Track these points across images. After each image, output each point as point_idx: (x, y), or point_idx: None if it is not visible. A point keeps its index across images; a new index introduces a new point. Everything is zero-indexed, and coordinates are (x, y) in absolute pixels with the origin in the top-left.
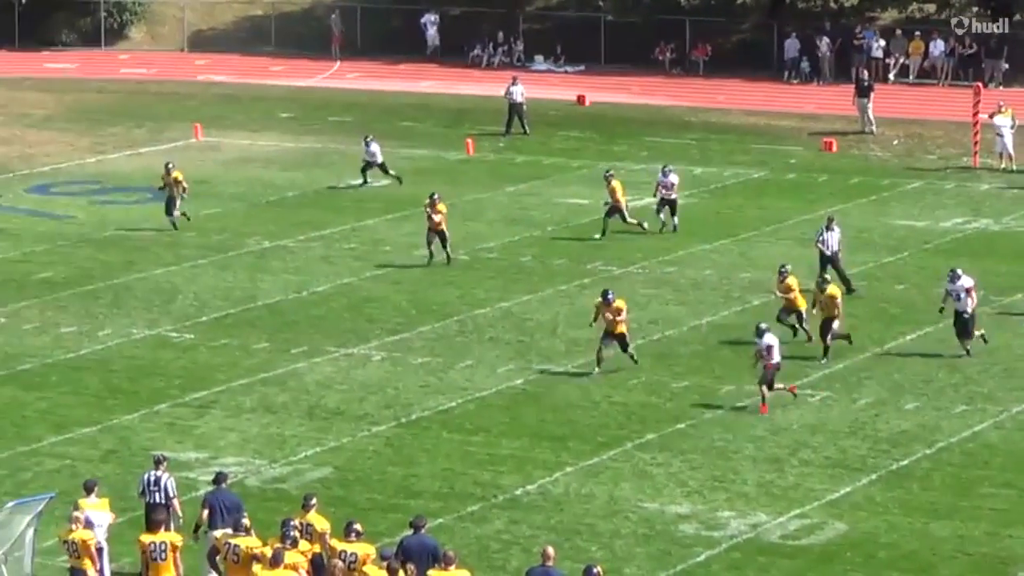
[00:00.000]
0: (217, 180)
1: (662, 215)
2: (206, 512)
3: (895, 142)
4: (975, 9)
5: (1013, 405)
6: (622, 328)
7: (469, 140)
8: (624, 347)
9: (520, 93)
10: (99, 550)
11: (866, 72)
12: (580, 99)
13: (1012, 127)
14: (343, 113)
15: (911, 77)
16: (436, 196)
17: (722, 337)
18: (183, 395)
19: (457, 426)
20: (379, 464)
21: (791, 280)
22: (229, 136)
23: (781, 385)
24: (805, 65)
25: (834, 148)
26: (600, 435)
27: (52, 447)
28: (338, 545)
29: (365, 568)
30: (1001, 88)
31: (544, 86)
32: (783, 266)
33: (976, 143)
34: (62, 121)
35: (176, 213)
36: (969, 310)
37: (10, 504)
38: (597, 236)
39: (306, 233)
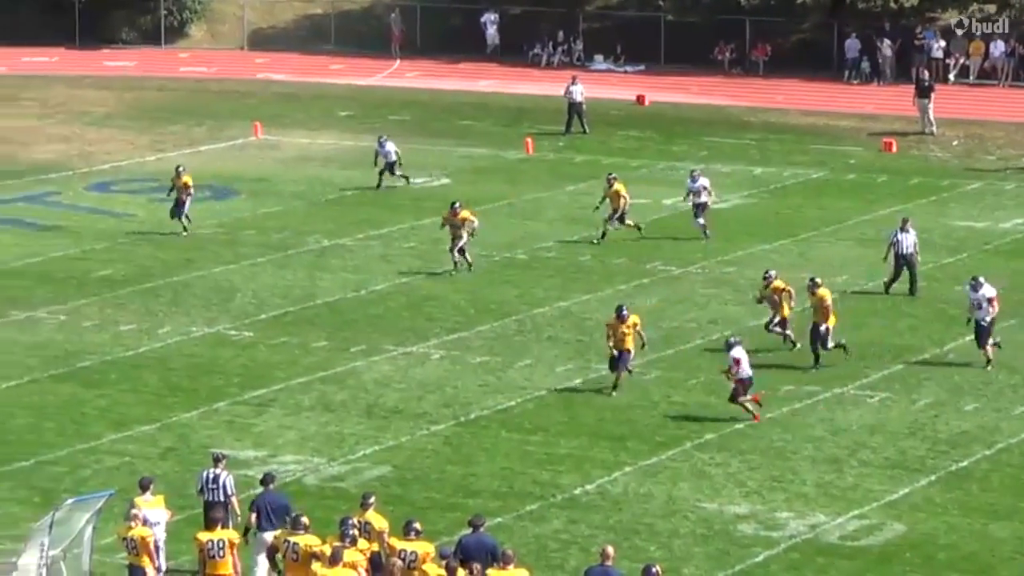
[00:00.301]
0: (276, 179)
1: (702, 220)
2: (254, 515)
3: (955, 143)
4: None
5: None
6: (629, 344)
7: (528, 139)
8: (623, 363)
9: (580, 92)
10: (156, 547)
11: (927, 72)
12: (640, 99)
13: None
14: (402, 112)
15: (971, 78)
16: (458, 205)
17: (780, 337)
18: (242, 393)
19: (516, 425)
20: (438, 463)
21: (777, 284)
22: (288, 135)
23: (747, 397)
24: (865, 65)
25: (894, 149)
26: (659, 435)
27: (111, 444)
28: (398, 544)
29: (424, 566)
30: None
31: (604, 86)
32: (768, 271)
33: None
34: (122, 119)
35: (184, 218)
36: (988, 319)
37: (69, 501)
38: (596, 240)
39: (365, 232)
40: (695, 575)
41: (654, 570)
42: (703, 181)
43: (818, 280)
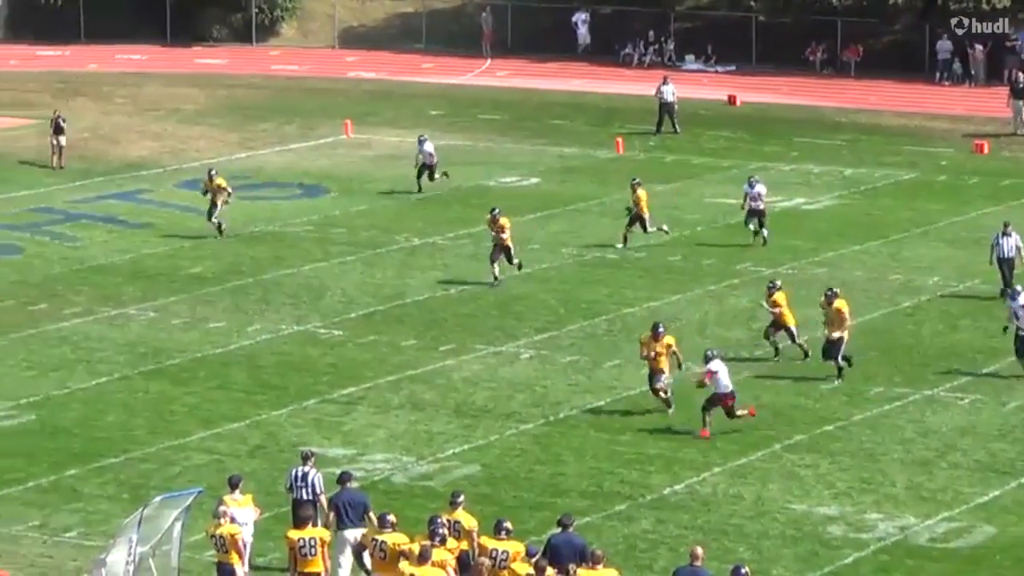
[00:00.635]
0: (366, 177)
1: (751, 225)
2: (332, 514)
3: None
4: None
5: None
6: (663, 364)
7: (619, 139)
8: (657, 382)
9: (671, 92)
10: (243, 545)
11: (1020, 74)
12: (731, 99)
13: None
14: (493, 111)
15: None
16: (497, 211)
17: (871, 339)
18: (331, 391)
19: (605, 425)
20: (526, 462)
21: (779, 296)
22: (379, 133)
23: (742, 412)
24: (957, 66)
25: (986, 150)
26: (748, 436)
27: (200, 442)
28: (489, 543)
29: (513, 565)
30: None
31: (695, 85)
32: (772, 281)
33: None
34: (212, 117)
35: (214, 221)
36: None
37: (158, 498)
38: (618, 245)
39: (455, 230)
40: None
41: (743, 571)
42: (760, 188)
43: (837, 291)
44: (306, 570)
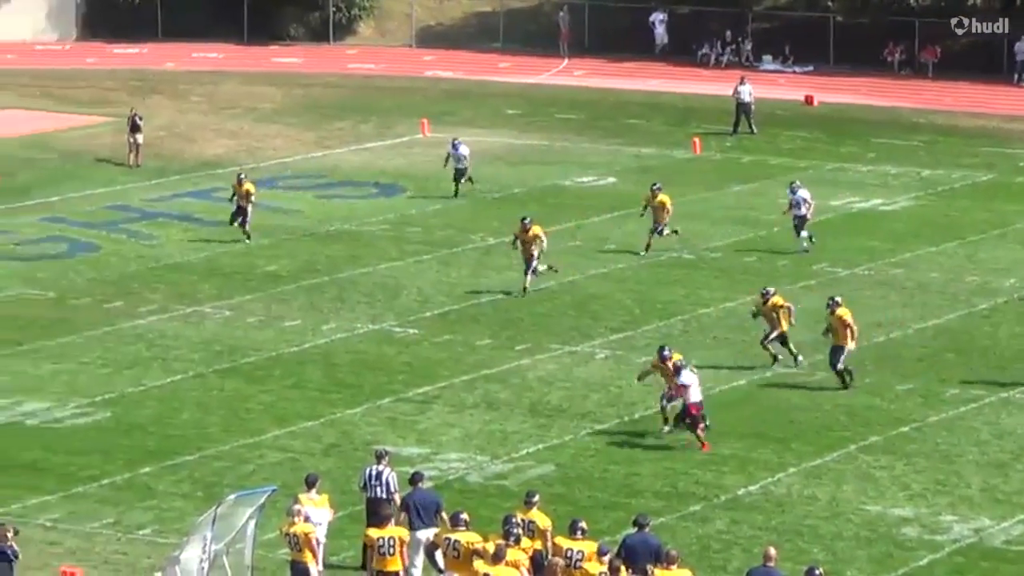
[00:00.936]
0: (442, 176)
1: (804, 233)
2: (404, 514)
3: None
4: None
5: None
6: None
7: (696, 139)
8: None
9: (748, 92)
10: (317, 544)
11: None
12: (808, 99)
13: None
14: (570, 110)
15: None
16: (528, 220)
17: (947, 340)
18: (406, 390)
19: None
20: (601, 462)
21: (776, 300)
22: (455, 132)
23: (705, 426)
24: None
25: None
26: (823, 437)
27: (275, 440)
28: (564, 543)
29: (585, 565)
30: None
31: (772, 86)
32: (765, 288)
33: None
34: (289, 115)
35: (245, 225)
36: None
37: (232, 496)
38: (642, 252)
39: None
40: None
41: (817, 572)
42: (803, 193)
43: (838, 299)
44: (384, 569)
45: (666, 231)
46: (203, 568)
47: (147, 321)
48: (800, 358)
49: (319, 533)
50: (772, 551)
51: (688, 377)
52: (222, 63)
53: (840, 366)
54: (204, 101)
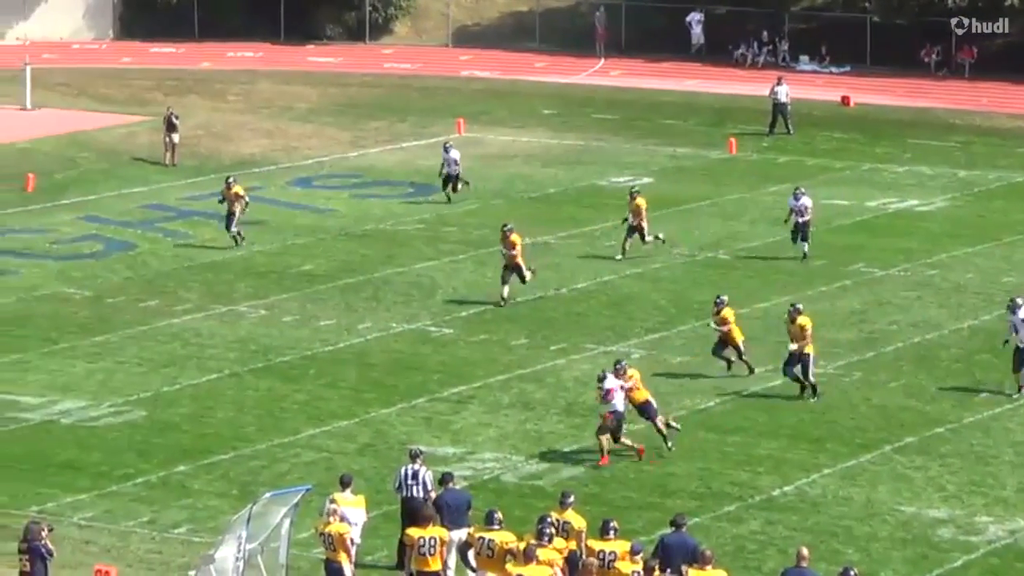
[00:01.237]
0: (478, 176)
1: (806, 245)
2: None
3: None
4: None
5: None
6: (642, 396)
7: (732, 139)
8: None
9: (785, 93)
10: (352, 544)
11: None
12: (844, 100)
13: None
14: (606, 110)
15: None
16: (508, 227)
17: (983, 341)
18: (441, 390)
19: (715, 425)
20: (635, 462)
21: (727, 312)
22: (491, 132)
23: (628, 441)
24: None
25: None
26: (858, 437)
27: (309, 439)
28: (596, 545)
29: (618, 564)
30: None
31: (808, 86)
32: (719, 296)
33: None
34: (325, 115)
35: (234, 229)
36: None
37: (267, 495)
38: (618, 257)
39: (567, 230)
40: None
41: (852, 573)
42: (805, 200)
43: (799, 307)
44: (424, 569)
45: (649, 237)
46: (238, 567)
47: (182, 320)
48: (755, 370)
49: (354, 533)
50: (804, 551)
51: (611, 382)
52: (258, 62)
53: (812, 376)
54: (240, 100)
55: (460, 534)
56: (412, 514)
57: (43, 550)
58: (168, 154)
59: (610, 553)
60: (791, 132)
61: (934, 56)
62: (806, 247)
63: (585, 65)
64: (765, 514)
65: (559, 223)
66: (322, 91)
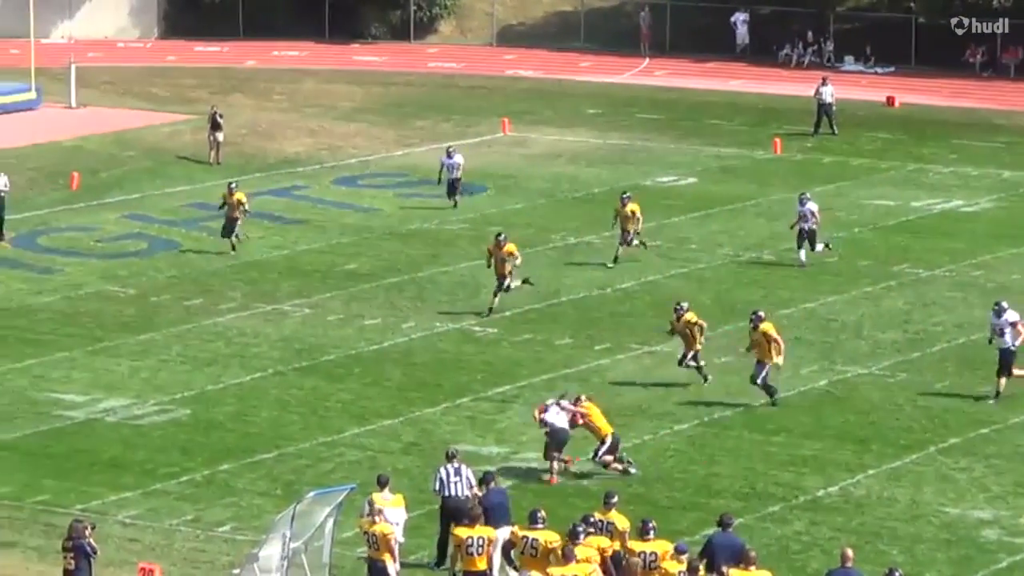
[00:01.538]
0: (523, 175)
1: (803, 253)
2: None
3: None
4: None
5: None
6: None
7: (776, 139)
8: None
9: (830, 94)
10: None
11: None
12: (889, 100)
13: None
14: (651, 110)
15: None
16: (502, 236)
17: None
18: (485, 389)
19: (759, 426)
20: (680, 462)
21: (689, 317)
22: (536, 131)
23: (557, 454)
24: None
25: None
26: (903, 438)
27: (354, 438)
28: (637, 546)
29: (663, 564)
30: None
31: (853, 87)
32: (679, 303)
33: None
34: (370, 114)
35: (235, 238)
36: (1013, 345)
37: (311, 494)
38: (610, 264)
39: (613, 231)
40: None
41: (897, 574)
42: (811, 206)
43: (762, 314)
44: (472, 569)
45: (635, 241)
46: (282, 566)
47: (227, 319)
48: (710, 378)
49: (397, 533)
50: (849, 552)
51: (553, 415)
52: (303, 61)
53: (759, 381)
54: (285, 99)
55: (505, 533)
56: (457, 513)
57: (87, 548)
58: (212, 153)
59: (651, 554)
60: (835, 132)
61: (979, 57)
62: (803, 255)
63: (630, 65)
64: (809, 515)
65: (603, 223)
66: (367, 90)
